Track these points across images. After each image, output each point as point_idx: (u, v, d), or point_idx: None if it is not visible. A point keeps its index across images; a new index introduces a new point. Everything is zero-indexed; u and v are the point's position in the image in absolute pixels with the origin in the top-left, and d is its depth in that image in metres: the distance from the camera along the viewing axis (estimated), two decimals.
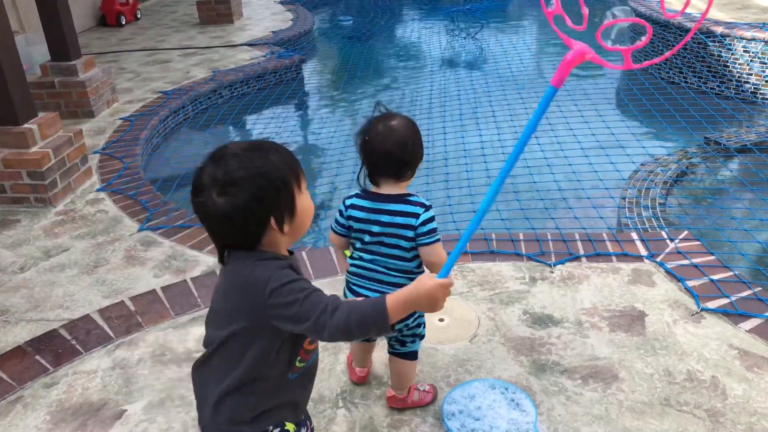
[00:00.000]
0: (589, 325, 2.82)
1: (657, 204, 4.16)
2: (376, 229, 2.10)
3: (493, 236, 3.54)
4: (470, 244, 3.46)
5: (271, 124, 6.86)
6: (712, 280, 3.07)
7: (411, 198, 2.08)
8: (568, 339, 2.74)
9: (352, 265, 2.21)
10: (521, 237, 3.53)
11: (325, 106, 7.55)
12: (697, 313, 2.87)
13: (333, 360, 2.66)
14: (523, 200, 4.35)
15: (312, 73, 8.90)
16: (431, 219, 2.06)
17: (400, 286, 2.11)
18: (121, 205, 4.32)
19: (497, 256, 3.37)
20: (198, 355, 2.71)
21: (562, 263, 3.28)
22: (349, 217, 2.13)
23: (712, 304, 2.91)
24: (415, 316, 2.23)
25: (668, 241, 3.45)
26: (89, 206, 4.35)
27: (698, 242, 3.43)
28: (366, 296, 2.15)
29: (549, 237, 3.53)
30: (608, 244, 3.44)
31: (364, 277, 2.18)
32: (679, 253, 3.32)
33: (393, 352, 2.31)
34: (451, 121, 6.22)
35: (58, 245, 3.84)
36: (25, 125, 4.34)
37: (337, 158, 5.58)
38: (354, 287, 2.21)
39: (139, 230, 3.94)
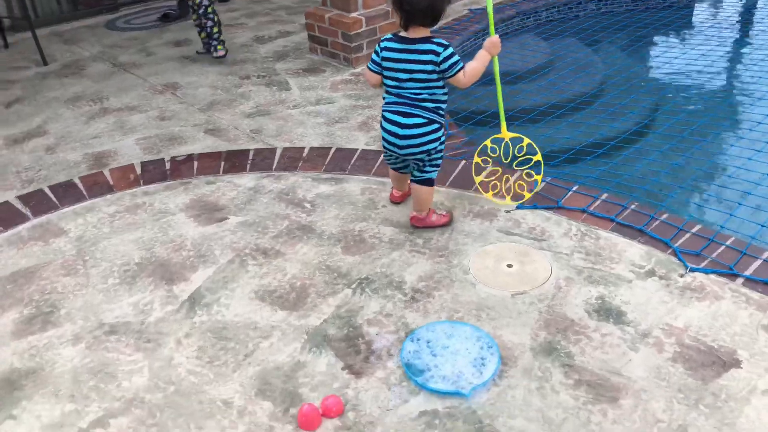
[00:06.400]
0: (653, 342, 2.27)
1: None
2: (407, 66, 2.64)
3: (665, 216, 2.93)
4: (627, 216, 2.95)
5: (641, 61, 5.78)
6: None
7: (433, 39, 2.63)
8: (611, 342, 2.28)
9: (389, 98, 2.75)
10: (695, 228, 2.83)
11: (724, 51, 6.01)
12: None
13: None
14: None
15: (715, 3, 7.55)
16: (451, 54, 2.62)
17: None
18: None
19: (642, 237, 2.82)
20: (310, 207, 3.13)
21: (705, 272, 2.58)
22: (384, 59, 2.69)
23: None
24: (438, 146, 2.78)
25: None
26: None
27: None
28: (403, 113, 2.71)
29: (729, 241, 2.75)
30: None
31: (402, 104, 2.70)
32: None
33: (414, 180, 2.89)
34: None
35: (328, 97, 4.61)
36: None
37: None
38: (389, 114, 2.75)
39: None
